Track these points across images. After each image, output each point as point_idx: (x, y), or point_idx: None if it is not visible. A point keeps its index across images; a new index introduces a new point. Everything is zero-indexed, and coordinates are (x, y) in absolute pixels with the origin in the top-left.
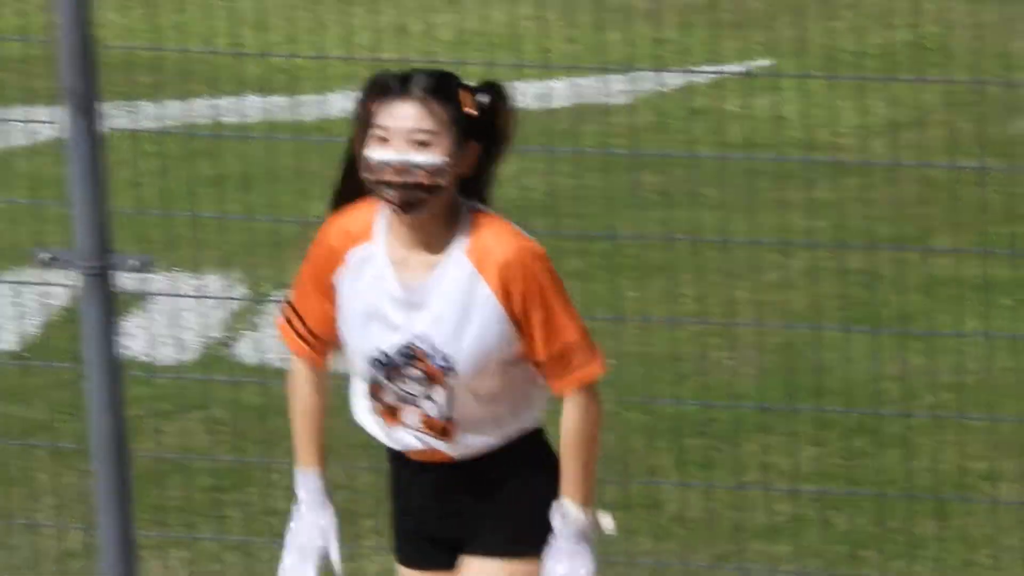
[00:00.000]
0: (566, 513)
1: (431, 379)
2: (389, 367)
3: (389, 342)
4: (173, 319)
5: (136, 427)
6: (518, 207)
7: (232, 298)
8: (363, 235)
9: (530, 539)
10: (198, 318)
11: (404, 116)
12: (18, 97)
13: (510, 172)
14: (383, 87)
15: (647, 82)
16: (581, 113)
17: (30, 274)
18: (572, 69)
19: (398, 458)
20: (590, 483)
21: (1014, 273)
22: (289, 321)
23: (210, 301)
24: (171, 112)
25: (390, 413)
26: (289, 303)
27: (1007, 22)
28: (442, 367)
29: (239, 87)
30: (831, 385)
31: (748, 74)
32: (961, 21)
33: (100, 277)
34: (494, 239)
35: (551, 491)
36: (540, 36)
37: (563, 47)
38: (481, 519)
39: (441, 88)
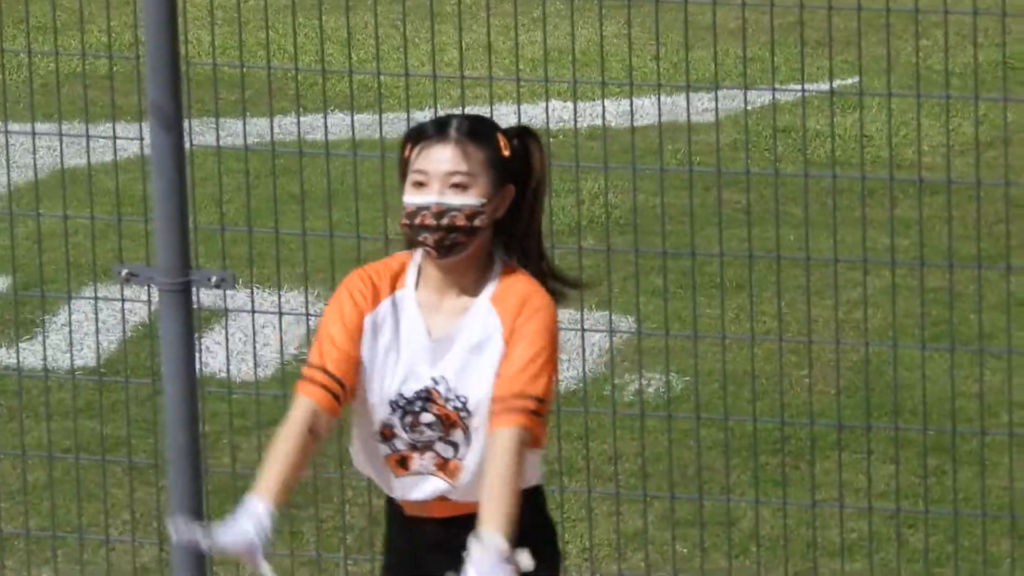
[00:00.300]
0: (485, 540)
1: (446, 422)
2: (407, 411)
3: (410, 386)
4: (252, 335)
5: (212, 443)
6: (600, 224)
7: (310, 315)
8: (395, 283)
9: None
10: (277, 334)
11: (441, 159)
12: (103, 113)
13: (594, 189)
14: (419, 132)
15: (733, 100)
16: (666, 131)
17: (110, 290)
18: (658, 87)
19: (395, 511)
20: (511, 518)
21: None
22: (311, 374)
23: (289, 317)
24: (256, 129)
25: (400, 461)
26: (315, 361)
27: None
28: (457, 409)
29: (324, 104)
30: (908, 403)
31: (834, 92)
32: None
33: (180, 293)
34: (517, 284)
35: (551, 557)
36: (626, 54)
37: (649, 65)
38: None
39: (477, 131)
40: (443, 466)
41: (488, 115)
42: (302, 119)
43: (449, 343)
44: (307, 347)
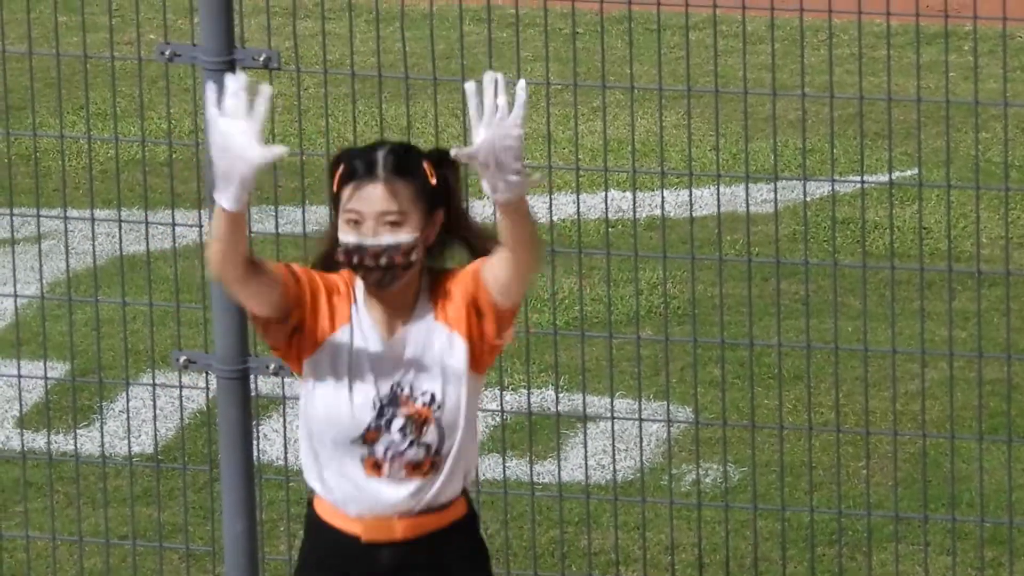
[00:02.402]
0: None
1: (419, 421)
2: (377, 422)
3: (382, 389)
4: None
5: (269, 531)
6: (658, 314)
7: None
8: (345, 296)
9: None
10: None
11: (372, 200)
12: (163, 200)
13: (653, 279)
14: (350, 171)
15: (792, 191)
16: (725, 221)
17: (168, 377)
18: (717, 177)
19: (339, 543)
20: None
21: None
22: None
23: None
24: (315, 217)
25: (374, 467)
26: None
27: None
28: (428, 404)
29: None
30: (965, 496)
31: (893, 184)
32: None
33: (238, 380)
34: (447, 283)
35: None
36: (685, 144)
37: (708, 155)
38: None
39: (404, 166)
40: (415, 468)
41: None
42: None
43: (400, 350)
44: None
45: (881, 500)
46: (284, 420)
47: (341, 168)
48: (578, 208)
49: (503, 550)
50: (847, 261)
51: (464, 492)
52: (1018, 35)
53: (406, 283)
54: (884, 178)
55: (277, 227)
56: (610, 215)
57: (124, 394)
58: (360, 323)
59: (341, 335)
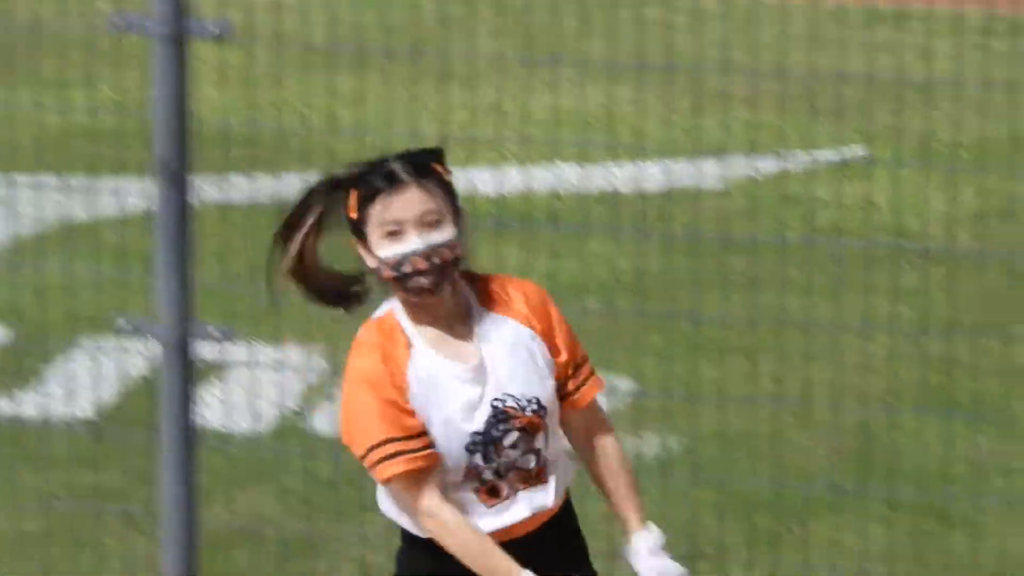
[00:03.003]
0: (651, 531)
1: (531, 430)
2: (487, 444)
3: (478, 421)
4: (251, 390)
5: (208, 495)
6: (607, 287)
7: (309, 370)
8: (403, 342)
9: None
10: (276, 389)
11: (409, 204)
12: (110, 168)
13: (602, 252)
14: (371, 189)
15: (741, 167)
16: (673, 197)
17: (111, 342)
18: (666, 153)
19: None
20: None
21: None
22: (391, 454)
23: (288, 373)
24: (263, 187)
25: (490, 492)
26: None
27: None
28: (536, 411)
29: (332, 163)
30: (904, 468)
31: (842, 161)
32: None
33: (180, 347)
34: (494, 283)
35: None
36: (636, 119)
37: (658, 130)
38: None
39: (423, 168)
40: (529, 478)
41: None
42: (308, 177)
43: (482, 363)
44: (303, 402)
45: (820, 472)
46: (225, 386)
47: (356, 193)
48: (527, 180)
49: None
50: (794, 237)
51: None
52: (971, 15)
53: (455, 290)
54: (833, 155)
55: (227, 196)
56: (559, 189)
57: (67, 358)
58: (424, 363)
59: (416, 386)
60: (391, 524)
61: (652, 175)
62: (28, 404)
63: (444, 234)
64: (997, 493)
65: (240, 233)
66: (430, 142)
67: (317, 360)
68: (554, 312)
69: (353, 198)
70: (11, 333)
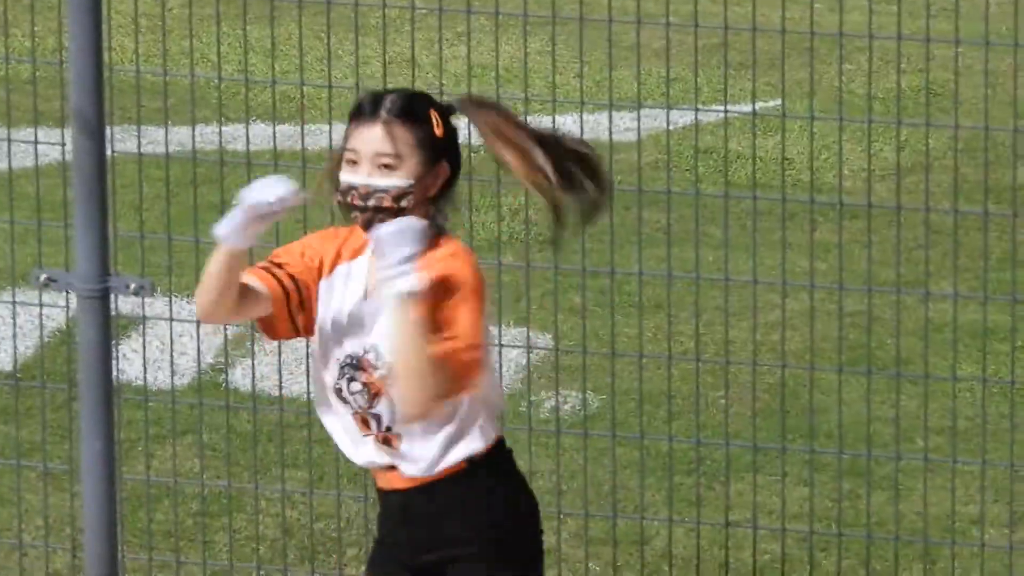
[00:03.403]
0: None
1: (373, 391)
2: (347, 377)
3: (347, 351)
4: (169, 344)
5: (127, 450)
6: (519, 240)
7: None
8: (359, 250)
9: (511, 561)
10: (194, 344)
11: (370, 139)
12: (25, 118)
13: (514, 205)
14: (358, 107)
15: (655, 120)
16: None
17: (28, 295)
18: (580, 105)
19: (374, 485)
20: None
21: (1011, 319)
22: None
23: (206, 327)
24: (178, 138)
25: (363, 423)
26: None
27: (1017, 69)
28: (384, 376)
29: (246, 114)
30: (824, 427)
31: (756, 114)
32: (971, 67)
33: (98, 300)
34: (439, 248)
35: (516, 506)
36: (549, 71)
37: (572, 82)
38: (441, 551)
39: (409, 110)
40: (382, 438)
41: None
42: (224, 129)
43: (377, 309)
44: (223, 357)
45: (740, 430)
46: (144, 340)
47: (355, 104)
48: None
49: (362, 474)
50: (709, 191)
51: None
52: None
53: None
54: (747, 108)
55: (140, 147)
56: (473, 140)
57: None
58: (348, 275)
59: (325, 286)
60: (311, 481)
61: (566, 126)
62: None
63: (393, 180)
64: (918, 453)
65: (155, 185)
66: (344, 93)
67: None
68: (458, 280)
69: (351, 111)
70: None
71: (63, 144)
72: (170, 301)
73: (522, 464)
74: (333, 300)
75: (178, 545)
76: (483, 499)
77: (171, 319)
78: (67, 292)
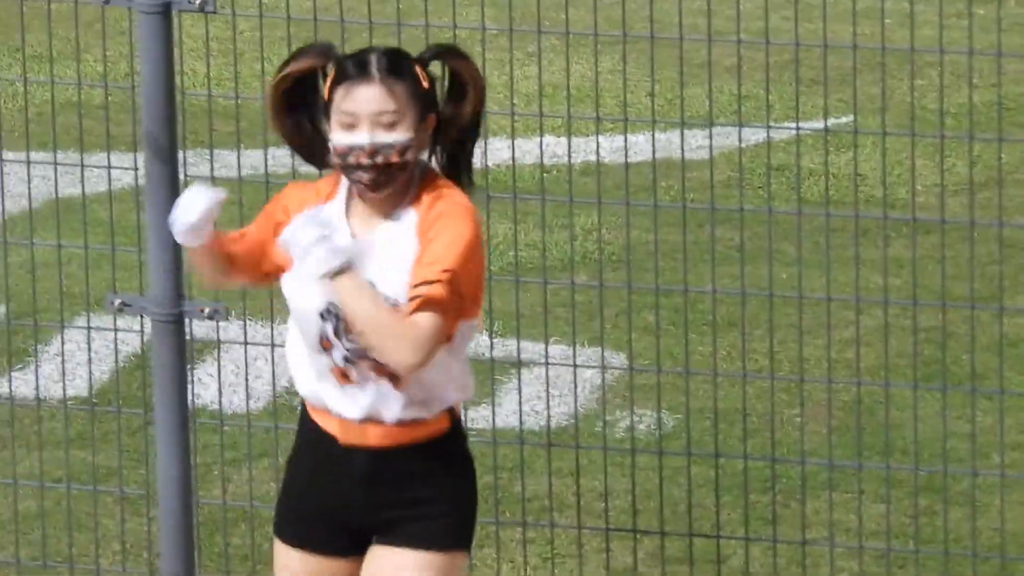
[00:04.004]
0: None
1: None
2: (338, 319)
3: (333, 301)
4: (244, 367)
5: (203, 474)
6: (593, 260)
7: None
8: (325, 196)
9: (449, 535)
10: (269, 367)
11: (368, 99)
12: (98, 144)
13: (587, 225)
14: (341, 72)
15: (727, 138)
16: (660, 167)
17: (103, 320)
18: (652, 123)
19: (322, 441)
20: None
21: None
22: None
23: (282, 350)
24: (250, 161)
25: (342, 375)
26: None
27: None
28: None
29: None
30: (899, 443)
31: (828, 131)
32: None
33: (172, 324)
34: (432, 195)
35: (471, 492)
36: (620, 90)
37: (644, 101)
38: (401, 510)
39: (397, 66)
40: (381, 370)
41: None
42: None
43: (370, 247)
44: None
45: (815, 448)
46: (219, 364)
47: (332, 72)
48: (513, 153)
49: None
50: (782, 208)
51: (450, 411)
52: None
53: (398, 188)
54: (819, 125)
55: (212, 170)
56: (545, 160)
57: (59, 337)
58: (326, 215)
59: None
60: None
61: (637, 145)
62: (22, 383)
63: (396, 136)
64: (994, 468)
65: (229, 209)
66: None
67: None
68: (445, 224)
69: (329, 78)
70: (3, 311)
71: (136, 169)
72: (244, 324)
73: (597, 484)
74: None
75: (255, 568)
76: (461, 464)
77: (245, 343)
78: (141, 317)
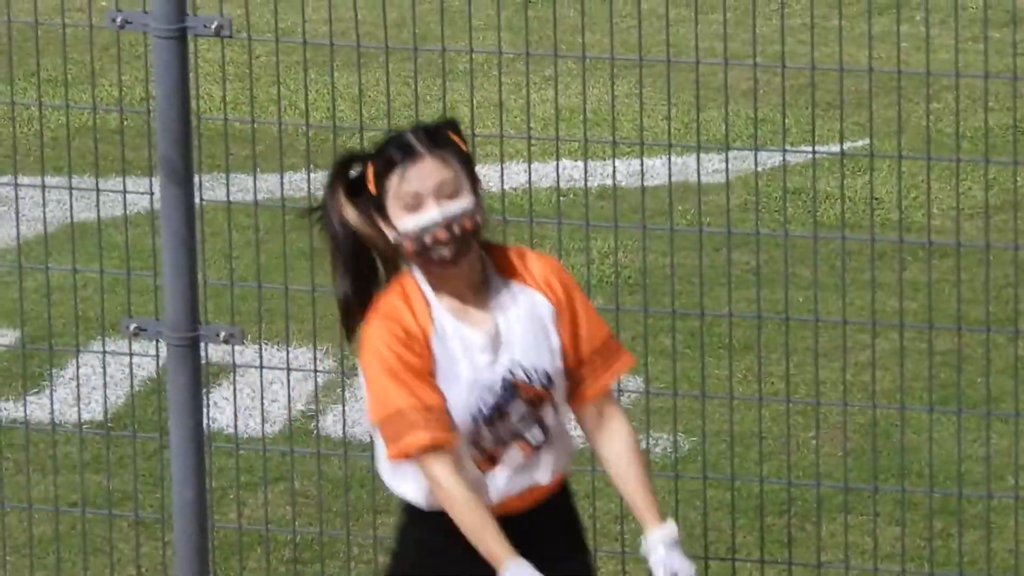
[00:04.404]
0: (668, 527)
1: (538, 403)
2: (493, 414)
3: (489, 392)
4: (260, 391)
5: (218, 498)
6: (610, 283)
7: (318, 371)
8: (423, 308)
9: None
10: (285, 391)
11: (425, 175)
12: (114, 168)
13: (604, 248)
14: (388, 160)
15: (743, 161)
16: (676, 191)
17: (118, 344)
18: (668, 147)
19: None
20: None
21: None
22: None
23: (297, 374)
24: (266, 185)
25: (489, 460)
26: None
27: None
28: (544, 384)
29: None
30: (915, 466)
31: (844, 154)
32: None
33: (188, 348)
34: (512, 253)
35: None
36: (637, 114)
37: (660, 125)
38: (563, 563)
39: (439, 137)
40: (529, 451)
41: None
42: (312, 175)
43: (498, 331)
44: (314, 404)
45: (831, 470)
46: (234, 388)
47: (372, 166)
48: (529, 177)
49: None
50: (798, 231)
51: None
52: (970, 6)
53: (474, 260)
54: (835, 148)
55: (228, 195)
56: (561, 184)
57: (74, 361)
58: (444, 329)
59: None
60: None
61: (654, 169)
62: (37, 407)
63: (462, 203)
64: (1009, 491)
65: (244, 233)
66: None
67: (325, 360)
68: (573, 287)
69: (370, 172)
70: (18, 335)
71: (151, 193)
72: (260, 349)
73: (613, 507)
74: (453, 357)
75: None
76: (576, 512)
77: (261, 367)
78: (157, 341)
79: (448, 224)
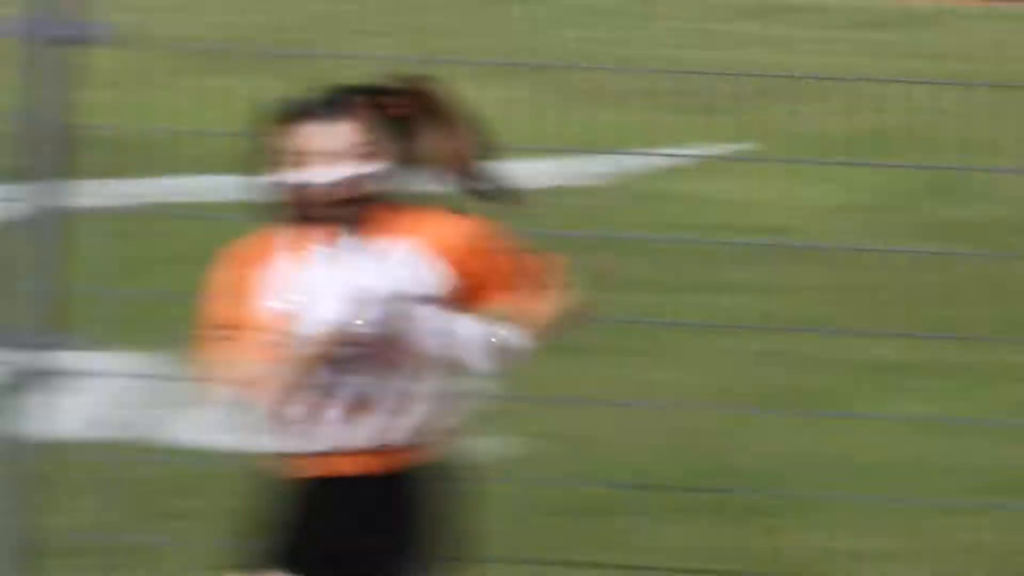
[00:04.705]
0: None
1: (374, 360)
2: (317, 359)
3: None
4: (95, 398)
5: (43, 505)
6: None
7: (156, 377)
8: (269, 249)
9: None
10: (119, 397)
11: (317, 137)
12: None
13: None
14: (288, 116)
15: (607, 164)
16: (539, 194)
17: None
18: (529, 151)
19: (310, 484)
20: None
21: (927, 356)
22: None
23: (135, 380)
24: (128, 190)
25: (312, 408)
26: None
27: (967, 109)
28: (374, 339)
29: (198, 167)
30: (732, 466)
31: (709, 157)
32: (924, 108)
33: (29, 354)
34: (411, 214)
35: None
36: (504, 117)
37: (525, 128)
38: (386, 540)
39: (347, 101)
40: (354, 406)
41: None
42: (176, 181)
43: (337, 276)
44: (146, 410)
45: (650, 470)
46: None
47: (279, 117)
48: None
49: None
50: (636, 233)
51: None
52: (833, 7)
53: (356, 220)
54: (700, 152)
55: (91, 201)
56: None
57: None
58: (281, 264)
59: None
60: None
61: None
62: None
63: (346, 170)
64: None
65: (102, 238)
66: None
67: (164, 367)
68: (483, 252)
69: (278, 122)
70: None
71: (7, 200)
72: (98, 355)
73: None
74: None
75: None
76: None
77: (99, 372)
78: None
79: (329, 188)
